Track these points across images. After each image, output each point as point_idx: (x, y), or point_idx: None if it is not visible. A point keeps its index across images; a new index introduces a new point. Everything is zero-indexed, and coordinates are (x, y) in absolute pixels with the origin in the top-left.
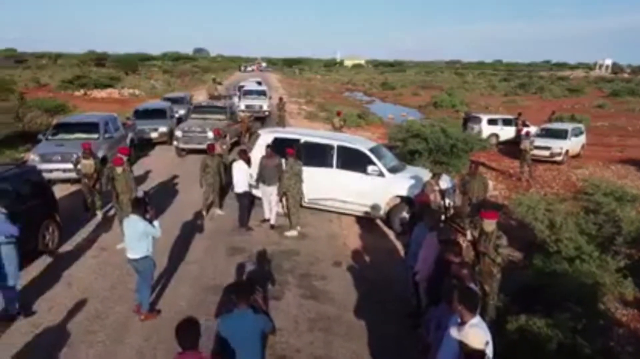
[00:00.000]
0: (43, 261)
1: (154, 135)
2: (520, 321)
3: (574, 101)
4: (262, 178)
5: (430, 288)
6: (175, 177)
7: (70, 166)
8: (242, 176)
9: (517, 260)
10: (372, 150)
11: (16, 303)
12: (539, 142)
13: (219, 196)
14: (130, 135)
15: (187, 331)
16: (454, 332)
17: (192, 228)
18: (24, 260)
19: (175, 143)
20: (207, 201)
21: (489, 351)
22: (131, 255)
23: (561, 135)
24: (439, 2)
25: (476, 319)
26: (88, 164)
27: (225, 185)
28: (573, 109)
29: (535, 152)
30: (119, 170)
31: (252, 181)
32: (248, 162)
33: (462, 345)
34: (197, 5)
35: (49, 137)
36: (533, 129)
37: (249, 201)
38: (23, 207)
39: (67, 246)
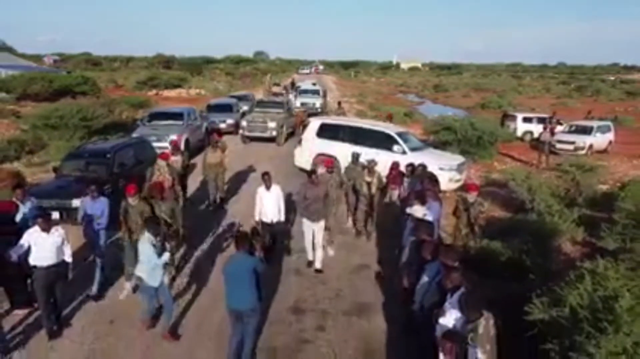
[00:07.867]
0: None
1: (222, 126)
2: (482, 244)
3: (630, 104)
4: (306, 212)
5: None
6: (238, 160)
7: (163, 144)
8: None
9: (505, 218)
10: (398, 134)
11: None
12: (565, 137)
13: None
14: (204, 125)
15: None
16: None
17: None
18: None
19: (240, 131)
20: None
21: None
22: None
23: (586, 131)
24: (500, 4)
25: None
26: (176, 161)
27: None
28: (626, 112)
29: (561, 146)
30: (132, 201)
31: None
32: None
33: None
34: (258, 9)
35: (145, 123)
36: (562, 127)
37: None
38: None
39: None
